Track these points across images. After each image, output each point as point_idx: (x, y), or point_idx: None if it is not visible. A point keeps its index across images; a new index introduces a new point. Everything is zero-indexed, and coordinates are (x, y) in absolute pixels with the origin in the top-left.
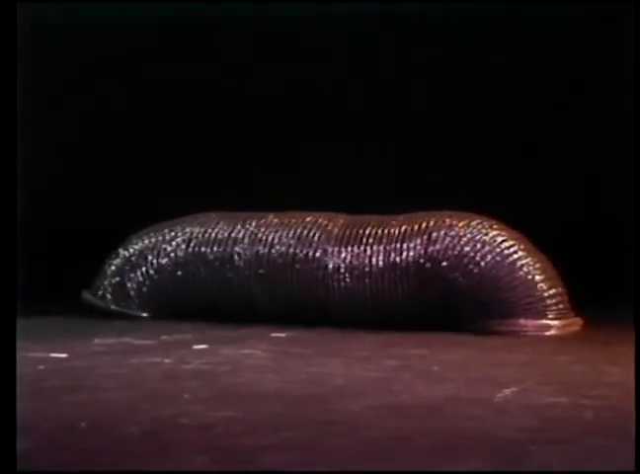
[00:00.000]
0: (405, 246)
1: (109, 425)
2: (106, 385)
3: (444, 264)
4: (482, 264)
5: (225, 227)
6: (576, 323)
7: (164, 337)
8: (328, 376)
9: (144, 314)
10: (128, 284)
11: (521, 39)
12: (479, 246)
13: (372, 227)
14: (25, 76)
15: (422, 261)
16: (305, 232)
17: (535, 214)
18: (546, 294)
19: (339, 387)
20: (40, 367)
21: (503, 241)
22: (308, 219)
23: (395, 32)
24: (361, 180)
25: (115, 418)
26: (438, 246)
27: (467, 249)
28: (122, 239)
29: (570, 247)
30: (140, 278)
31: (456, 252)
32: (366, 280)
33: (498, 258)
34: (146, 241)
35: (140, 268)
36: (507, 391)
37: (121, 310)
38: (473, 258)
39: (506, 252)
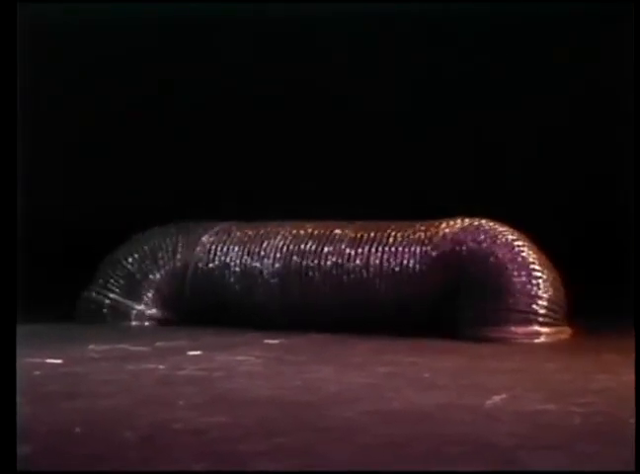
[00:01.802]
0: (424, 244)
1: (105, 430)
2: (101, 391)
3: (461, 255)
4: (498, 255)
5: (245, 237)
6: (565, 331)
7: (159, 343)
8: (321, 383)
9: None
10: (144, 281)
11: (522, 40)
12: (492, 241)
13: (391, 230)
14: (25, 76)
15: (441, 257)
16: (324, 239)
17: (534, 215)
18: (543, 289)
19: (332, 394)
20: (37, 373)
21: (514, 239)
22: (323, 230)
23: (395, 32)
24: (360, 180)
25: (111, 423)
26: (454, 239)
27: (482, 242)
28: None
29: (568, 248)
30: (157, 278)
31: (472, 245)
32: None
33: (507, 251)
34: (171, 239)
35: (158, 266)
36: (497, 398)
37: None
38: (487, 249)
39: (513, 243)
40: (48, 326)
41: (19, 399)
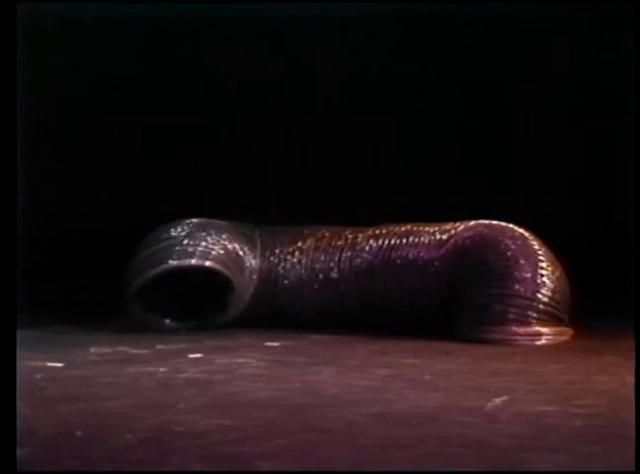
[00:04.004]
0: (438, 238)
1: (106, 433)
2: (102, 394)
3: (473, 242)
4: (511, 243)
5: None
6: (566, 332)
7: (160, 346)
8: (322, 385)
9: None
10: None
11: (522, 40)
12: (503, 232)
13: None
14: (25, 76)
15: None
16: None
17: (535, 215)
18: (549, 281)
19: (332, 396)
20: (38, 376)
21: (525, 234)
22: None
23: (395, 32)
24: (361, 180)
25: (112, 426)
26: (470, 234)
27: (495, 231)
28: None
29: (568, 249)
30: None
31: (485, 232)
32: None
33: (518, 243)
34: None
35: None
36: (498, 400)
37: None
38: (502, 241)
39: (524, 237)
40: (49, 330)
41: (20, 402)
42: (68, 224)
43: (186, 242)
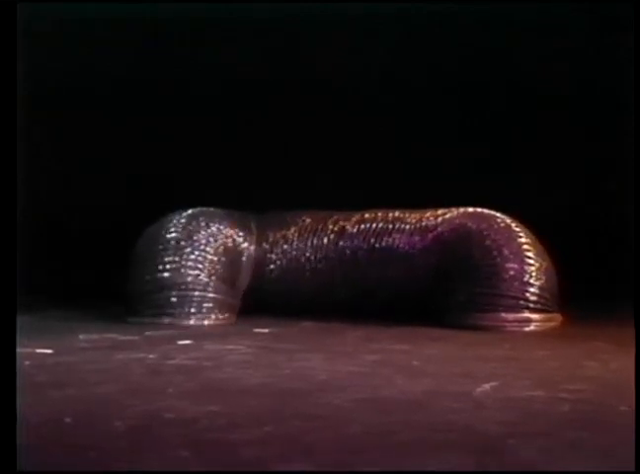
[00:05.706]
0: (424, 227)
1: (95, 419)
2: (91, 380)
3: (458, 236)
4: (497, 237)
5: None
6: (555, 318)
7: (148, 332)
8: (310, 371)
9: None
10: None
11: (521, 39)
12: (490, 225)
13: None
14: (24, 76)
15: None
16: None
17: (534, 213)
18: (535, 277)
19: (321, 382)
20: (27, 363)
21: (512, 225)
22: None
23: (395, 32)
24: (360, 176)
25: (101, 413)
26: (453, 221)
27: (480, 225)
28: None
29: (566, 253)
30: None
31: (470, 226)
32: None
33: (504, 236)
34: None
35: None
36: (486, 385)
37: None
38: (485, 232)
39: (510, 229)
40: (37, 316)
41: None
42: (68, 224)
43: (186, 255)
